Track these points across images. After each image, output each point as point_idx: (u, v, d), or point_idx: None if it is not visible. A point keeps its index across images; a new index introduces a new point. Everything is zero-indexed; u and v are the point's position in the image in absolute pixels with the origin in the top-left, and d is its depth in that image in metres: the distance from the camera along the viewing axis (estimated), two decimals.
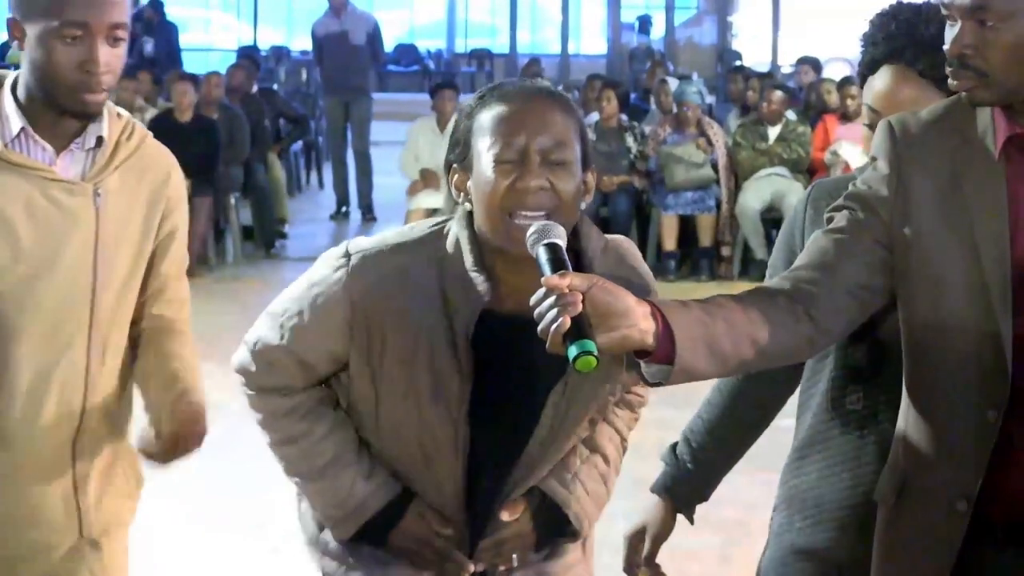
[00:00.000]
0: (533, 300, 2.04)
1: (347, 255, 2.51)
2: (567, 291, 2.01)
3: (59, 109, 2.66)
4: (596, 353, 1.99)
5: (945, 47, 2.22)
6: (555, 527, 2.65)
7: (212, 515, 5.68)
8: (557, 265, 2.12)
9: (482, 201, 2.40)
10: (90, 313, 2.72)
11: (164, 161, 2.84)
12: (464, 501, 2.57)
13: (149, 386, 2.80)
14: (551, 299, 2.02)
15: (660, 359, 2.11)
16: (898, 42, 2.48)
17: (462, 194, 2.46)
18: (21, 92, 2.69)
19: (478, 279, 2.43)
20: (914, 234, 2.24)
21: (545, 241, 2.18)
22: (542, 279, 2.06)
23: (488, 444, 2.54)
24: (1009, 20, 2.16)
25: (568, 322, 2.00)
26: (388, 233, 2.56)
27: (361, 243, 2.54)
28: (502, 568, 2.63)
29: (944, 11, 2.22)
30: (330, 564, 2.66)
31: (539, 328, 2.03)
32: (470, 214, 2.46)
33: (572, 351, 1.99)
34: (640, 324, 2.06)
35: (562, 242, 2.20)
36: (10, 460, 2.71)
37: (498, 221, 2.37)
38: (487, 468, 2.56)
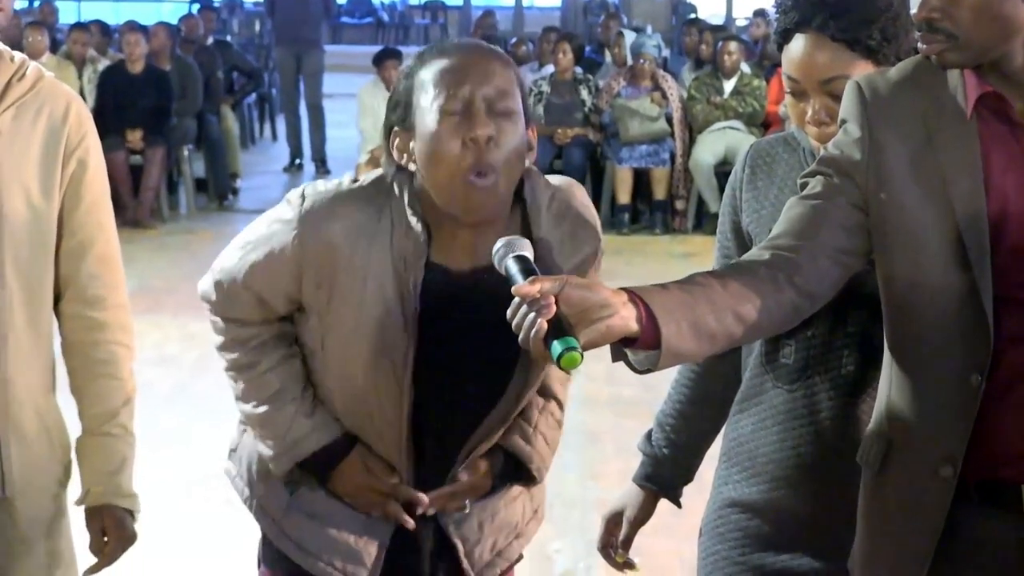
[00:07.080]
0: (508, 313, 2.02)
1: (302, 197, 2.52)
2: (539, 295, 1.99)
3: None
4: (579, 348, 1.97)
5: (912, 11, 2.20)
6: (513, 476, 2.70)
7: (161, 469, 5.66)
8: (527, 275, 2.10)
9: (430, 157, 2.39)
10: None
11: (63, 96, 2.71)
12: (408, 452, 2.58)
13: (83, 416, 2.78)
14: (524, 307, 2.00)
15: (646, 344, 2.07)
16: (807, 9, 2.47)
17: (405, 155, 2.45)
18: None
19: (417, 227, 2.43)
20: (889, 196, 2.22)
21: (513, 254, 2.16)
22: (512, 288, 2.03)
23: (433, 400, 2.55)
24: None
25: (545, 325, 1.98)
26: (345, 179, 2.56)
27: (317, 187, 2.54)
28: (453, 513, 2.65)
29: None
30: (264, 516, 2.69)
31: (520, 338, 2.01)
32: (411, 173, 2.45)
33: (556, 350, 1.97)
34: (621, 311, 2.02)
35: (529, 253, 2.18)
36: None
37: (456, 182, 2.36)
38: (433, 423, 2.57)
